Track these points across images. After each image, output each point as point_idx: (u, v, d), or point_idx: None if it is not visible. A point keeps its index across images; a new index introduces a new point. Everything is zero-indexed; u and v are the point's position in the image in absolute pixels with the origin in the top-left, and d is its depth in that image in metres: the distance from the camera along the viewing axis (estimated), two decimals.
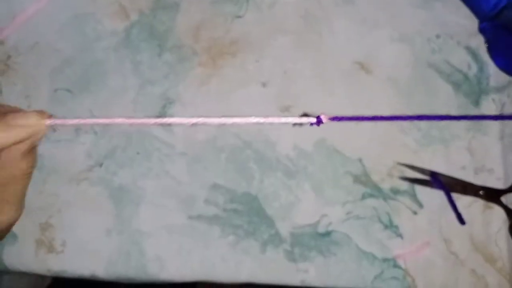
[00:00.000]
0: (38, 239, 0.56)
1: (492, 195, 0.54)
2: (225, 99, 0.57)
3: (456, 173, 0.54)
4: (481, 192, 0.54)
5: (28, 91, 0.59)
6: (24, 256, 0.56)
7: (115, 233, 0.55)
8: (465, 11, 0.57)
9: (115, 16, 0.60)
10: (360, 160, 0.55)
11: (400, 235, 0.53)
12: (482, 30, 0.57)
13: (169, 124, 0.56)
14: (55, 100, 0.58)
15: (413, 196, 0.54)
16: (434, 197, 0.54)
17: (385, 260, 0.53)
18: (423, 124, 0.55)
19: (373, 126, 0.55)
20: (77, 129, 0.57)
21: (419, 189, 0.54)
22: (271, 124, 0.44)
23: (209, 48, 0.58)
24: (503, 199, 0.54)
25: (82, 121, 0.40)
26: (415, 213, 0.54)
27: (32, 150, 0.42)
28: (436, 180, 0.53)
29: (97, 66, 0.58)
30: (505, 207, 0.53)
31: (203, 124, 0.40)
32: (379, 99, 0.56)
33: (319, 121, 0.39)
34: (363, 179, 0.55)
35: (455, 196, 0.53)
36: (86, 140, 0.57)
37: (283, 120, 0.40)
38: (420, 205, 0.54)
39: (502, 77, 0.56)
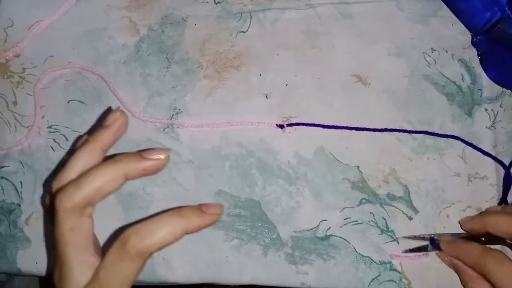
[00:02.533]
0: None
1: (494, 237, 0.53)
2: (229, 109, 0.60)
3: (450, 180, 0.56)
4: (483, 238, 0.54)
5: (42, 102, 0.62)
6: (37, 259, 0.59)
7: None
8: (459, 25, 0.60)
9: (126, 31, 0.63)
10: (357, 167, 0.57)
11: (396, 240, 0.56)
12: (475, 44, 0.59)
13: None
14: (69, 110, 0.61)
15: (409, 202, 0.56)
16: (428, 203, 0.56)
17: (382, 263, 0.55)
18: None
19: (370, 135, 0.58)
20: None
21: (414, 196, 0.56)
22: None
23: (215, 61, 0.61)
24: None
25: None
26: (410, 218, 0.56)
27: None
28: (435, 244, 0.55)
29: (108, 78, 0.61)
30: (510, 245, 0.54)
31: None
32: (376, 110, 0.59)
33: (281, 126, 0.59)
34: (360, 185, 0.57)
35: None
36: None
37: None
38: (416, 211, 0.56)
39: (495, 88, 0.58)
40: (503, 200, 0.55)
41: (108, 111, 0.60)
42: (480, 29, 0.58)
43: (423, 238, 0.55)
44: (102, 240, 0.58)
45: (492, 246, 0.54)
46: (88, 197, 0.42)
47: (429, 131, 0.57)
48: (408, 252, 0.55)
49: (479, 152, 0.57)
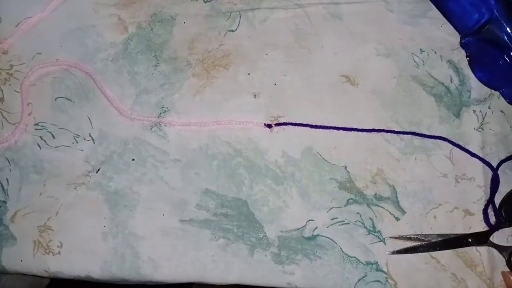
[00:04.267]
0: (36, 240, 0.59)
1: (481, 238, 0.55)
2: (217, 108, 0.60)
3: (438, 180, 0.56)
4: (470, 240, 0.55)
5: (29, 99, 0.62)
6: (22, 257, 0.59)
7: (110, 235, 0.58)
8: (448, 27, 0.60)
9: (115, 29, 0.63)
10: (345, 167, 0.57)
11: (383, 240, 0.56)
12: (463, 45, 0.59)
13: None
14: (56, 107, 0.61)
15: (396, 203, 0.56)
16: (415, 204, 0.56)
17: (368, 263, 0.55)
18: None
19: (358, 135, 0.58)
20: (75, 136, 0.60)
21: (402, 196, 0.56)
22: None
23: (203, 60, 0.61)
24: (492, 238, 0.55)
25: None
26: (397, 219, 0.56)
27: None
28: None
29: (96, 76, 0.61)
30: (496, 247, 0.55)
31: None
32: (365, 110, 0.59)
33: (269, 125, 0.59)
34: (348, 185, 0.57)
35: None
36: (84, 147, 0.60)
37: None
38: (403, 211, 0.56)
39: (483, 89, 0.58)
40: (490, 202, 0.55)
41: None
42: (468, 30, 0.58)
43: (409, 239, 0.55)
44: (89, 238, 0.58)
45: (479, 247, 0.55)
46: None
47: (417, 132, 0.57)
48: (396, 254, 0.55)
49: (466, 153, 0.57)
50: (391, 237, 0.56)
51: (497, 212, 0.55)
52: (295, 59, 0.61)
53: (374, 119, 0.58)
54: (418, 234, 0.55)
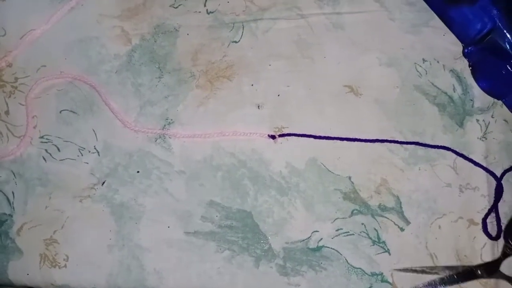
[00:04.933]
0: (42, 254, 0.59)
1: (491, 268, 0.54)
2: (221, 119, 0.60)
3: (442, 190, 0.56)
4: (479, 271, 0.54)
5: (34, 111, 0.62)
6: (28, 271, 0.59)
7: (116, 248, 0.58)
8: (451, 36, 0.60)
9: (118, 41, 0.63)
10: (349, 178, 0.57)
11: (387, 251, 0.56)
12: (466, 54, 0.59)
13: None
14: (60, 120, 0.61)
15: (401, 213, 0.56)
16: (420, 214, 0.56)
17: (373, 274, 0.55)
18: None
19: (362, 146, 0.58)
20: (80, 148, 0.60)
21: (406, 207, 0.56)
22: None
23: (207, 71, 0.61)
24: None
25: None
26: (402, 229, 0.56)
27: None
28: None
29: (100, 88, 0.61)
30: (507, 278, 0.54)
31: None
32: (368, 121, 0.59)
33: (273, 136, 0.59)
34: (352, 196, 0.57)
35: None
36: (89, 159, 0.60)
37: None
38: (407, 222, 0.56)
39: (486, 98, 0.58)
40: (491, 211, 0.55)
41: None
42: (471, 40, 0.58)
43: (415, 271, 0.55)
44: (95, 251, 0.58)
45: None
46: None
47: (421, 141, 0.57)
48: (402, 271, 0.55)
49: (470, 163, 0.57)
50: (395, 269, 0.56)
51: (499, 223, 0.55)
52: (298, 69, 0.61)
53: (378, 129, 0.58)
54: (424, 267, 0.55)
